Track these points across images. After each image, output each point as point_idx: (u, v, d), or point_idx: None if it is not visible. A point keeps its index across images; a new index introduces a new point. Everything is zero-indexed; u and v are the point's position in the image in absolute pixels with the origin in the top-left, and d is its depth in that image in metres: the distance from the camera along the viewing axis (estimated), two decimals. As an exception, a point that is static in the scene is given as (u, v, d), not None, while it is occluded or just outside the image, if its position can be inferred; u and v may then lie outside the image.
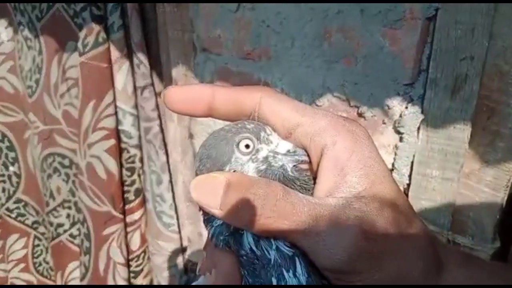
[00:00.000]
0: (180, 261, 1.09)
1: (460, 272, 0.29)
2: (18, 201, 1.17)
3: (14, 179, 1.16)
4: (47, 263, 1.22)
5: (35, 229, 1.20)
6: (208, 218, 0.31)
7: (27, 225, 1.20)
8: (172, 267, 1.08)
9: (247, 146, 0.30)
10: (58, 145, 1.05)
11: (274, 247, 0.28)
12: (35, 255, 1.22)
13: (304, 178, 0.30)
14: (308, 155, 0.30)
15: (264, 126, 0.30)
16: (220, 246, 0.30)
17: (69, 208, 1.10)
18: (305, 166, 0.30)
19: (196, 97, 0.30)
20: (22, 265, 1.21)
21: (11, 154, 1.13)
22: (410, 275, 0.27)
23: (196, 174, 0.30)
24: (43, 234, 1.20)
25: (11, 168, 1.15)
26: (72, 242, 1.12)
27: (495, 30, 0.57)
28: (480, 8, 0.57)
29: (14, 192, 1.16)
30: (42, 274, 1.23)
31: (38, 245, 1.22)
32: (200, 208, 0.29)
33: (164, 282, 1.09)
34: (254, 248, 0.28)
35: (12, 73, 1.06)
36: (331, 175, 0.28)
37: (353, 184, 0.27)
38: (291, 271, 0.27)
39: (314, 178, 0.30)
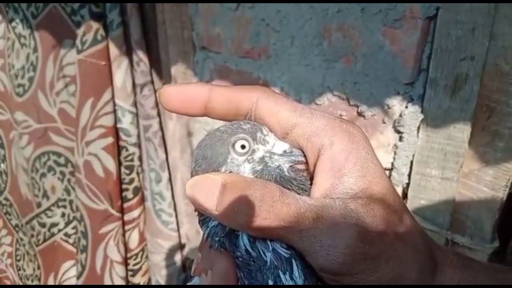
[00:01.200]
0: (178, 259, 1.09)
1: (456, 273, 0.29)
2: (6, 199, 1.16)
3: (3, 177, 1.15)
4: (24, 270, 1.21)
5: (17, 232, 1.19)
6: (204, 219, 0.30)
7: (12, 225, 1.19)
8: (170, 265, 1.08)
9: (243, 147, 0.29)
10: (53, 144, 1.04)
11: (270, 248, 0.27)
12: (17, 258, 1.22)
13: (301, 178, 0.29)
14: (305, 156, 0.30)
15: (260, 127, 0.30)
16: (215, 247, 0.29)
17: (64, 207, 1.09)
18: (301, 167, 0.30)
19: (192, 97, 0.30)
20: (9, 261, 1.22)
21: (1, 152, 1.13)
22: (406, 277, 0.27)
23: (192, 175, 0.30)
24: (21, 240, 1.19)
25: (2, 165, 1.14)
26: (66, 241, 1.12)
27: (496, 30, 0.57)
28: (480, 8, 0.56)
29: (4, 188, 1.16)
30: (20, 279, 1.22)
31: (18, 249, 1.21)
32: (196, 209, 0.29)
33: (162, 280, 1.09)
34: (249, 249, 0.28)
35: (2, 71, 1.05)
36: (328, 176, 0.28)
37: (349, 185, 0.27)
38: (287, 273, 0.27)
39: (311, 179, 0.29)
